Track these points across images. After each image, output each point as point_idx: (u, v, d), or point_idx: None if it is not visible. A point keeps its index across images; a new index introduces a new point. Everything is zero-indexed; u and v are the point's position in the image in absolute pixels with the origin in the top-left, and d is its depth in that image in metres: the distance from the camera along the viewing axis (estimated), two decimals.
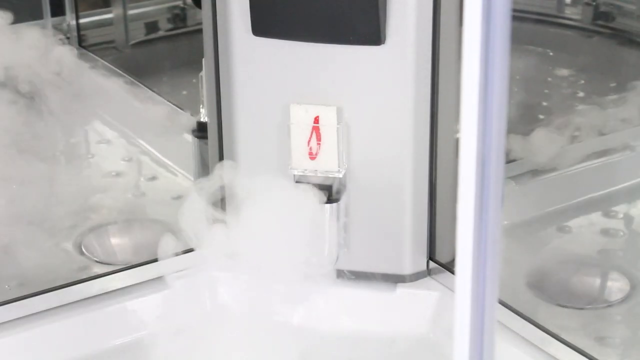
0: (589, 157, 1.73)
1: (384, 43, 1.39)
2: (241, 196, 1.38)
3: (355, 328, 1.49)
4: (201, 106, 1.66)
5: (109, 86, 1.87)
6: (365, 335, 1.48)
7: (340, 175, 1.45)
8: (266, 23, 1.40)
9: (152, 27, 2.26)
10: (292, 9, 1.38)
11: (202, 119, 1.67)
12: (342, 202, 1.46)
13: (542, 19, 2.07)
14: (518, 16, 1.73)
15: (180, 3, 2.27)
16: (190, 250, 1.49)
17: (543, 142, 1.70)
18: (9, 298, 1.44)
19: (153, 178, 1.82)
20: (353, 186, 1.47)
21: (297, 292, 1.50)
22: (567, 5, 2.10)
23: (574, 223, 1.68)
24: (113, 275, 1.50)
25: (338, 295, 1.50)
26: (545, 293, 1.50)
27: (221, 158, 1.52)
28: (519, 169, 1.69)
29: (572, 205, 1.71)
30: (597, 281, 1.56)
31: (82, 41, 2.18)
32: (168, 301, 1.50)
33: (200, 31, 1.50)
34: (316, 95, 1.43)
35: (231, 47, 1.44)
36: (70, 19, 2.17)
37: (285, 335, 1.47)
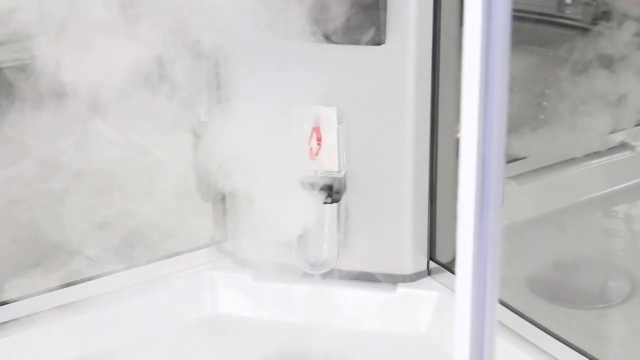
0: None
1: (384, 43, 1.39)
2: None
3: (355, 327, 1.49)
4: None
5: None
6: (366, 334, 1.48)
7: (341, 175, 1.45)
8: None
9: None
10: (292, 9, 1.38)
11: (202, 119, 1.67)
12: (342, 202, 1.46)
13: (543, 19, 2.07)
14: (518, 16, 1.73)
15: None
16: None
17: None
18: (9, 298, 1.44)
19: None
20: (353, 186, 1.47)
21: (298, 292, 1.51)
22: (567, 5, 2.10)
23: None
24: (113, 275, 1.50)
25: (338, 295, 1.50)
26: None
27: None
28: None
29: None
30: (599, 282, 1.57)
31: None
32: (168, 301, 1.50)
33: None
34: (316, 95, 1.43)
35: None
36: None
37: (285, 333, 1.48)
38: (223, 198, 1.52)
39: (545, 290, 1.51)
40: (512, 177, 1.66)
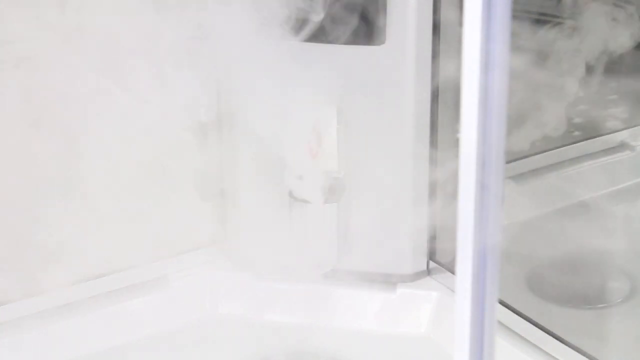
0: None
1: (384, 43, 1.39)
2: None
3: (355, 328, 1.49)
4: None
5: None
6: (366, 334, 1.48)
7: (340, 175, 1.45)
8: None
9: None
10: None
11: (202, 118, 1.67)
12: (342, 202, 1.46)
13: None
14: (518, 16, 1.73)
15: None
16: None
17: None
18: (10, 298, 1.44)
19: None
20: (353, 186, 1.47)
21: (298, 292, 1.50)
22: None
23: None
24: (113, 275, 1.50)
25: (338, 295, 1.50)
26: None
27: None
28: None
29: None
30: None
31: None
32: (168, 301, 1.50)
33: None
34: (316, 95, 1.43)
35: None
36: None
37: (285, 334, 1.47)
38: (223, 198, 1.52)
39: (545, 290, 1.51)
40: (512, 177, 1.66)
